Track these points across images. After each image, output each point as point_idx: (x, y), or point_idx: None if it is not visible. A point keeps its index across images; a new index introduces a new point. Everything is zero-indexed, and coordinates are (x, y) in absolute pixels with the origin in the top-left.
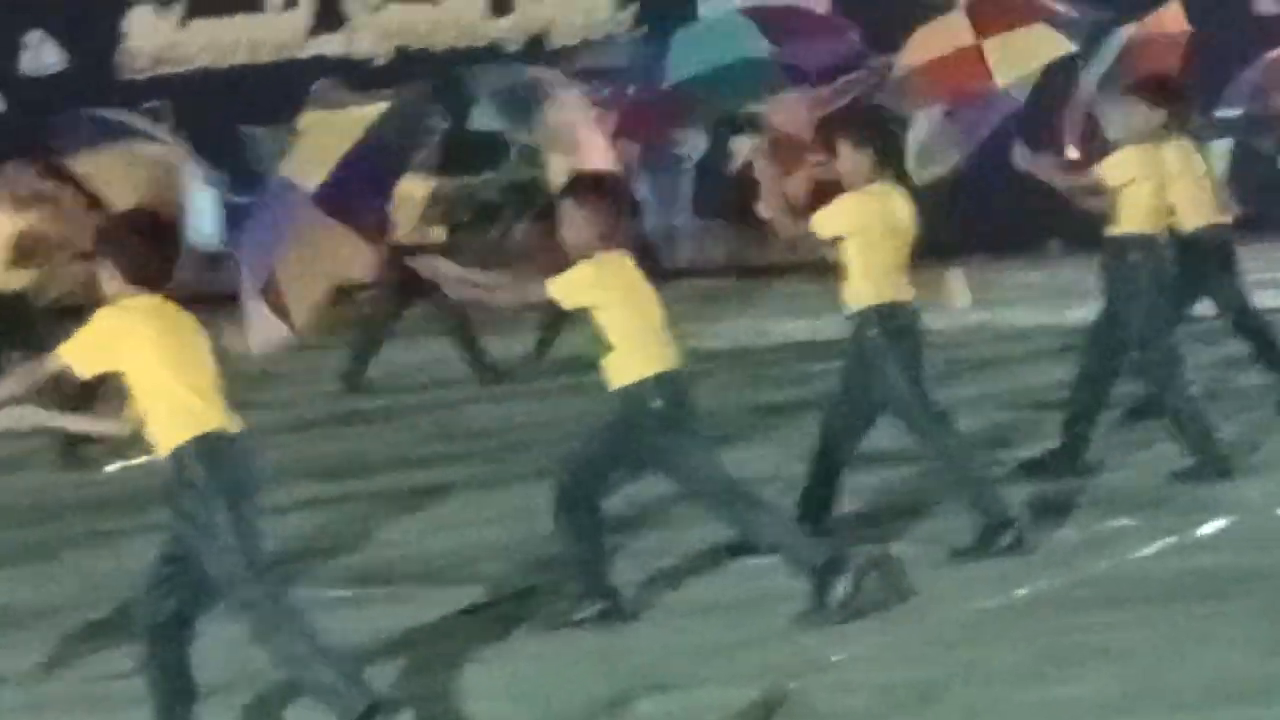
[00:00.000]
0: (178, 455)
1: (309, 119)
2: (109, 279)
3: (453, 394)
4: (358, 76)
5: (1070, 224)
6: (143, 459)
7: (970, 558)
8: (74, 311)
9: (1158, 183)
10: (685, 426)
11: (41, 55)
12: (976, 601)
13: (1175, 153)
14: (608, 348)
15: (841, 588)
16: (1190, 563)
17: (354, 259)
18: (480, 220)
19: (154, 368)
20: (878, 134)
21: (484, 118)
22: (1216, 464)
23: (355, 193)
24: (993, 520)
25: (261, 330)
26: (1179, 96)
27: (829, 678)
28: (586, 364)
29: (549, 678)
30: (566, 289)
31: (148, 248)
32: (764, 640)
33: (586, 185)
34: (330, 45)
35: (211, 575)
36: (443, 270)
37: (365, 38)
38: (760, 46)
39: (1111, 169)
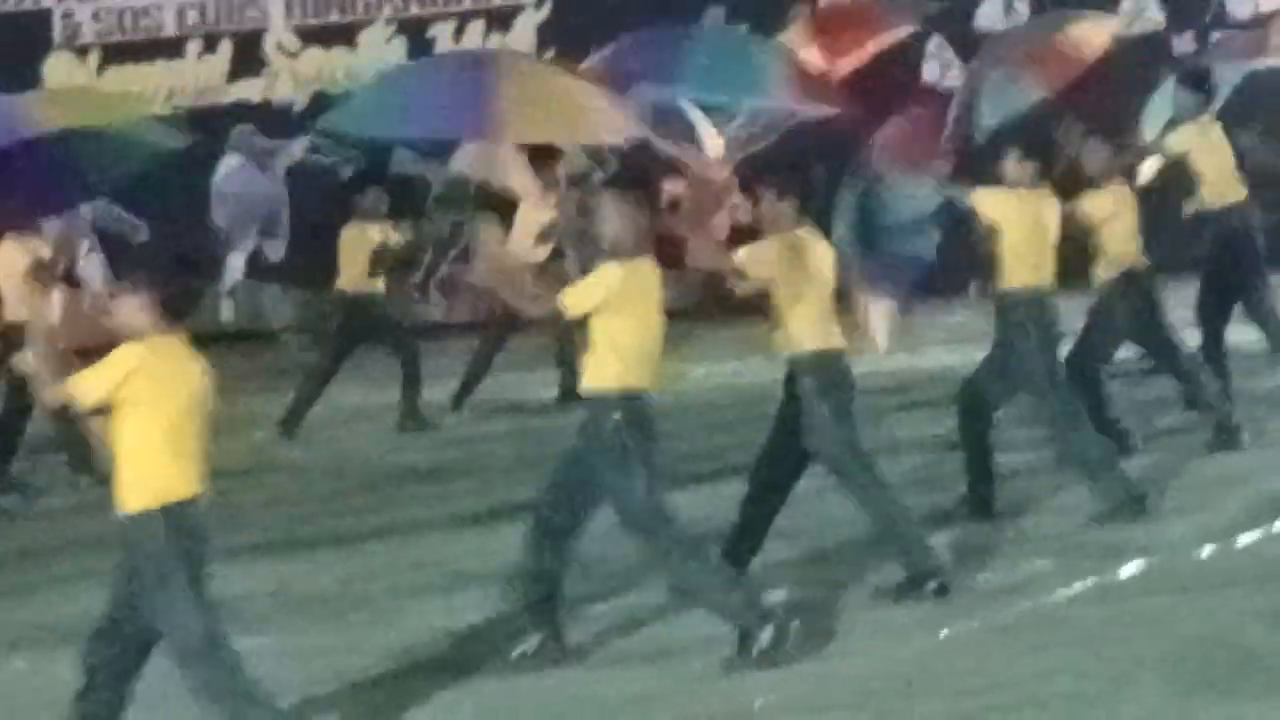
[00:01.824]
0: (145, 520)
1: None
2: (137, 310)
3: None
4: (277, 122)
5: (990, 267)
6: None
7: (893, 601)
8: None
9: (1031, 234)
10: (639, 450)
11: None
12: (899, 646)
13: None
14: (590, 351)
15: (766, 636)
16: (1110, 605)
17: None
18: (402, 266)
19: (151, 422)
20: (799, 182)
21: (403, 162)
22: (1132, 505)
23: None
24: (919, 568)
25: None
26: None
27: None
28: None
29: None
30: (580, 293)
31: (181, 279)
32: (689, 687)
33: (633, 182)
34: (250, 90)
35: (169, 644)
36: (493, 244)
37: (285, 83)
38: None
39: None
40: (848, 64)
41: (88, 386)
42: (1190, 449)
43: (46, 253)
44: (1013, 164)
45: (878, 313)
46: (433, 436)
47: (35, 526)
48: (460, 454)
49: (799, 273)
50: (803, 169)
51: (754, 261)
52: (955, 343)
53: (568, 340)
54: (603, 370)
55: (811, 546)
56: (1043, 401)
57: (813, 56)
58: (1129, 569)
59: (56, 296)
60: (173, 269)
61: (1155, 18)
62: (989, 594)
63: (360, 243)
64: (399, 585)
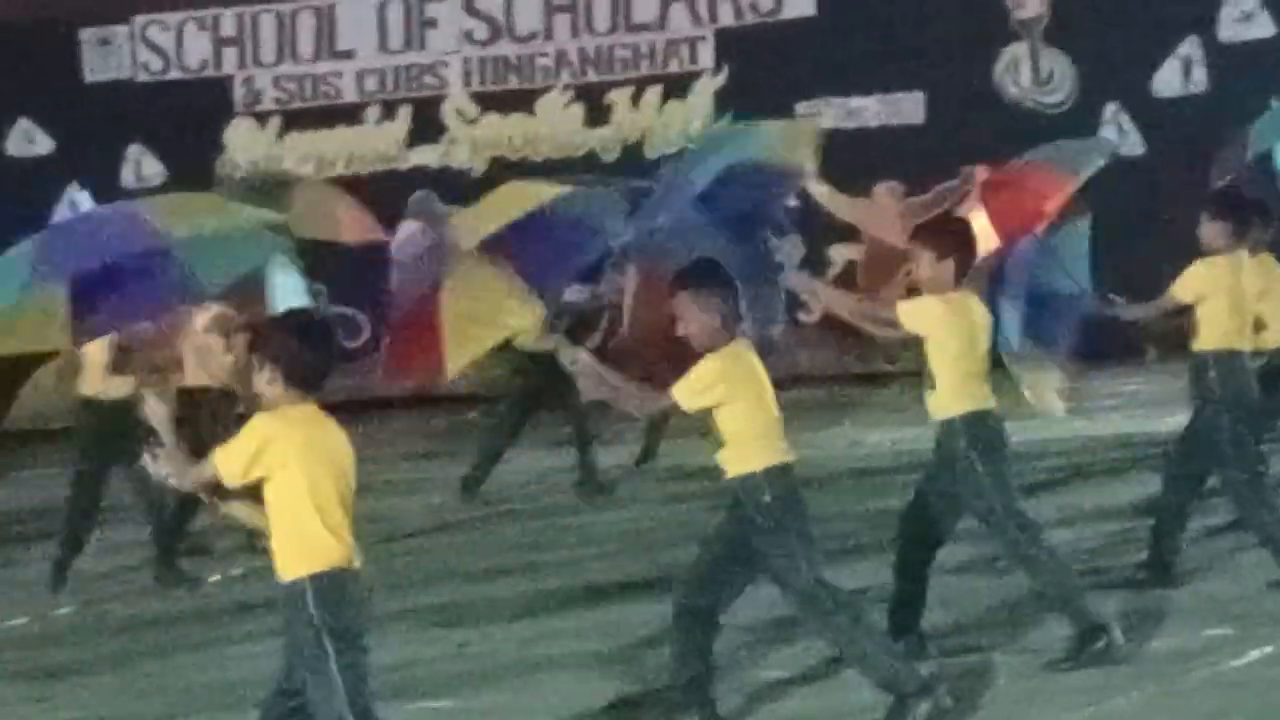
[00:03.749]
0: (296, 589)
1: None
2: (268, 383)
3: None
4: (455, 187)
5: (1166, 331)
6: (240, 570)
7: (1063, 668)
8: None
9: (1234, 298)
10: (794, 525)
11: (142, 168)
12: (1069, 713)
13: (1257, 269)
14: (723, 442)
15: (923, 710)
16: None
17: (520, 311)
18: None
19: (295, 488)
20: (961, 244)
21: None
22: None
23: (528, 249)
24: (1083, 627)
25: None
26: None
27: None
28: (687, 474)
29: None
30: (691, 391)
31: (309, 350)
32: None
33: (701, 273)
34: (428, 156)
35: (317, 714)
36: (583, 364)
37: (462, 149)
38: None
39: (1183, 284)
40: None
41: (226, 461)
42: None
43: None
44: (1208, 228)
45: (1047, 378)
46: (610, 500)
47: (217, 588)
48: (636, 517)
49: (958, 333)
50: (963, 230)
51: (914, 314)
52: (1131, 409)
53: None
54: (742, 455)
55: (977, 612)
56: (1227, 470)
57: (985, 228)
58: None
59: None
60: (299, 340)
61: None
62: (1163, 660)
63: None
64: (578, 651)
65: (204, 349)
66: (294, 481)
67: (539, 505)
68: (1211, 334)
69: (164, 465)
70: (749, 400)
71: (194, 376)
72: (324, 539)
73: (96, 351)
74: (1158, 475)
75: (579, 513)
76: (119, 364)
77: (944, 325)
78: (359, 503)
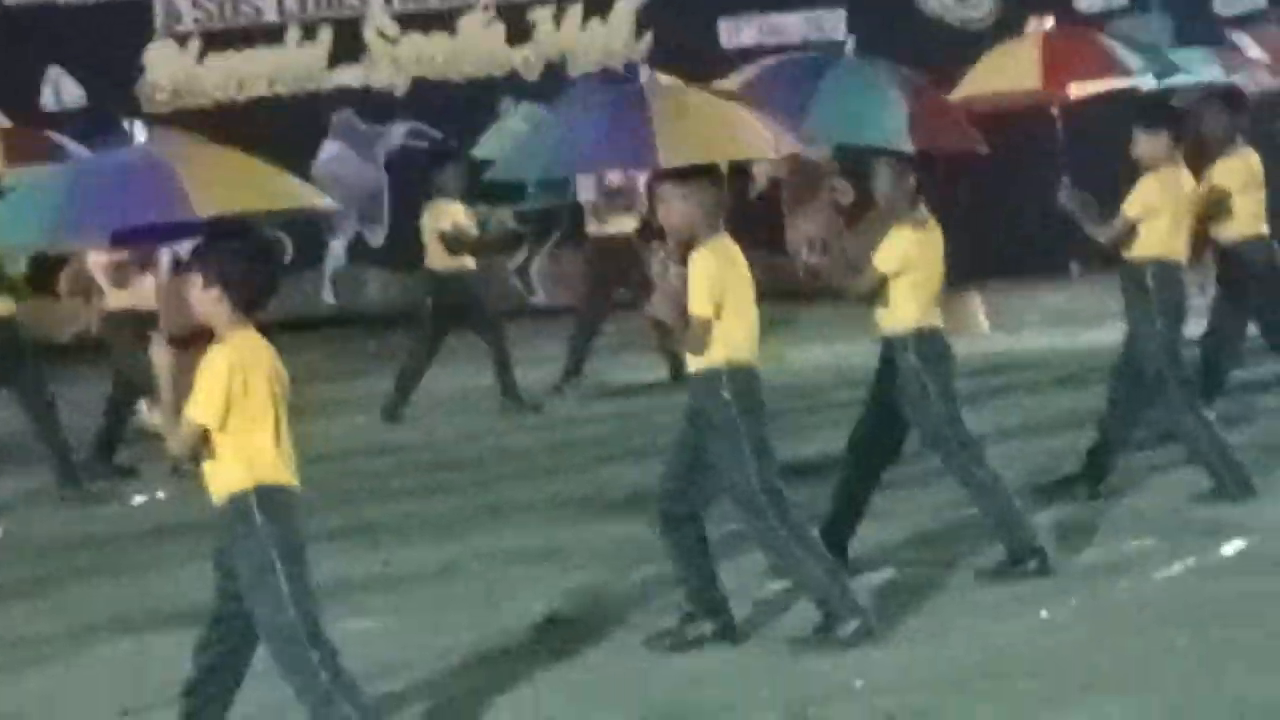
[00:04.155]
0: (243, 503)
1: None
2: (215, 305)
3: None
4: (377, 107)
5: (1089, 245)
6: (161, 494)
7: (994, 581)
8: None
9: (1176, 210)
10: (749, 428)
11: (61, 91)
12: (998, 625)
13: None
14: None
15: (849, 629)
16: (1212, 584)
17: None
18: (497, 247)
19: (251, 408)
20: (915, 161)
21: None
22: (1238, 485)
23: None
24: (1019, 547)
25: None
26: (1176, 117)
27: (849, 705)
28: (613, 390)
29: (574, 711)
30: (705, 298)
31: (256, 270)
32: (787, 665)
33: (686, 167)
34: (350, 76)
35: (260, 630)
36: (675, 277)
37: (384, 69)
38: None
39: (1132, 202)
40: (1075, 91)
41: (207, 410)
42: None
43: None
44: (1145, 142)
45: (973, 298)
46: (535, 419)
47: (140, 510)
48: (561, 436)
49: (925, 261)
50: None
51: (890, 258)
52: (1054, 324)
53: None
54: (711, 349)
55: (913, 528)
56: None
57: (1033, 70)
58: (1230, 549)
59: (153, 283)
60: (244, 261)
61: None
62: (1089, 572)
63: (440, 220)
64: (501, 568)
65: (121, 269)
66: (251, 403)
67: (461, 426)
68: (1152, 244)
69: (158, 418)
70: (735, 296)
71: (114, 299)
72: (273, 456)
73: None
74: (1083, 390)
75: (503, 432)
76: None
77: (916, 258)
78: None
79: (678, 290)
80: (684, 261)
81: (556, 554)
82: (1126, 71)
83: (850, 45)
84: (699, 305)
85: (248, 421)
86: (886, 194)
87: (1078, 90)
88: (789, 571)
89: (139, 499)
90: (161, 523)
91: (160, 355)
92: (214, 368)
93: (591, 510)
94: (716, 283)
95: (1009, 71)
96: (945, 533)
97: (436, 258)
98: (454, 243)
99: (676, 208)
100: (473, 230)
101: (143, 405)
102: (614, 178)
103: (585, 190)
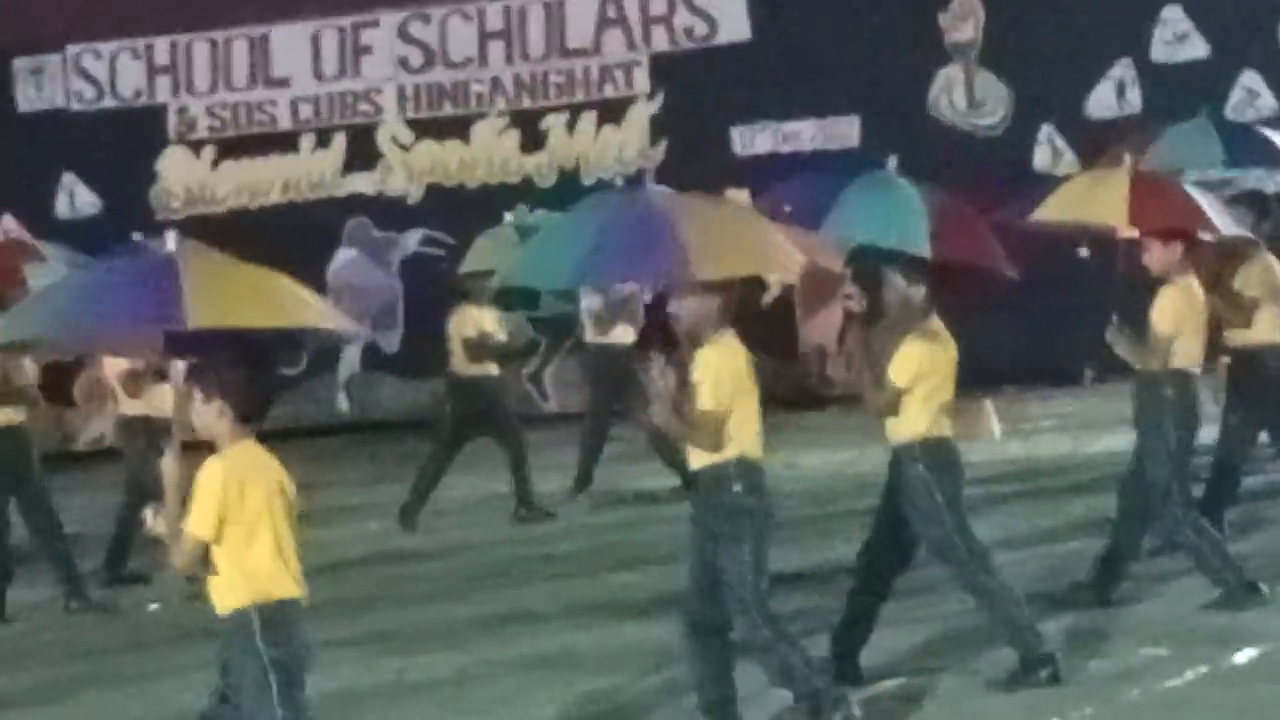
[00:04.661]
0: (243, 619)
1: None
2: (217, 417)
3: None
4: (391, 213)
5: (1103, 351)
6: (178, 599)
7: (1006, 690)
8: None
9: (1195, 320)
10: (751, 529)
11: (76, 198)
12: None
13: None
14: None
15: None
16: (1224, 692)
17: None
18: (517, 355)
19: (248, 522)
20: (927, 270)
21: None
22: (1244, 593)
23: None
24: (1030, 655)
25: None
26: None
27: None
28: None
29: None
30: (717, 394)
31: (259, 383)
32: None
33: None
34: (364, 183)
35: None
36: (664, 386)
37: (398, 175)
38: None
39: (1164, 318)
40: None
41: (201, 525)
42: None
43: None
44: (1158, 249)
45: (985, 404)
46: (548, 525)
47: (153, 618)
48: (574, 543)
49: (937, 369)
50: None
51: (905, 369)
52: (1067, 430)
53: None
54: (721, 444)
55: (924, 636)
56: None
57: (1120, 209)
58: (1241, 656)
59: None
60: (244, 372)
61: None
62: (1101, 681)
63: (465, 326)
64: (515, 675)
65: (136, 378)
66: (247, 515)
67: (476, 532)
68: (1176, 356)
69: (161, 528)
70: (742, 393)
71: (128, 406)
72: (274, 570)
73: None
74: (1095, 496)
75: (518, 539)
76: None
77: (928, 369)
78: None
79: (674, 393)
80: (682, 367)
81: (570, 660)
82: (1213, 228)
83: (893, 164)
84: (708, 400)
85: (245, 534)
86: (897, 303)
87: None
88: (773, 671)
89: (154, 606)
90: (176, 630)
91: (170, 466)
92: (209, 481)
93: (605, 616)
94: (725, 379)
95: (1094, 205)
96: (956, 640)
97: (460, 363)
98: (477, 349)
99: (691, 305)
100: (501, 336)
101: (148, 512)
102: (622, 287)
103: (586, 298)
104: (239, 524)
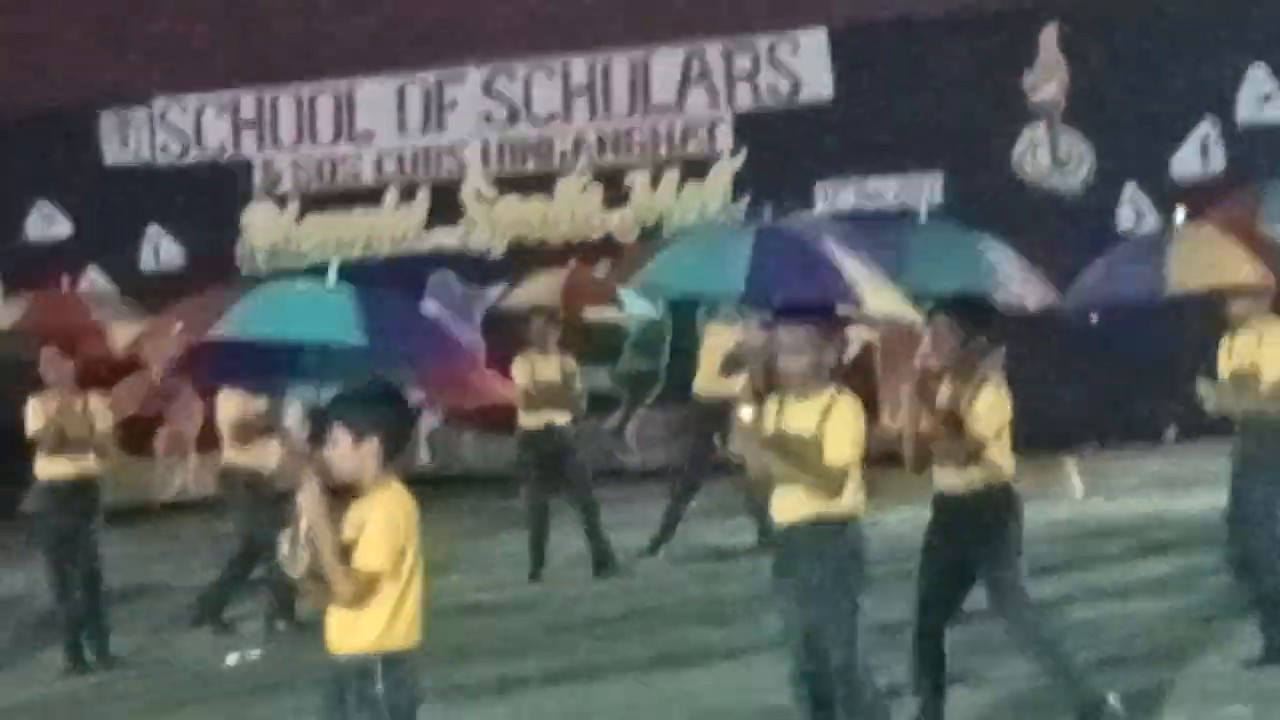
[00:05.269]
0: (367, 664)
1: None
2: (368, 458)
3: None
4: (474, 269)
5: (1187, 410)
6: (257, 653)
7: None
8: None
9: None
10: (859, 584)
11: (161, 251)
12: None
13: None
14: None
15: None
16: None
17: None
18: (598, 408)
19: (406, 566)
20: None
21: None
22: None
23: None
24: (1085, 706)
25: None
26: None
27: None
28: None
29: None
30: (857, 444)
31: (408, 420)
32: None
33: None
34: (447, 238)
35: None
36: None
37: (481, 230)
38: None
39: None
40: None
41: (382, 556)
42: None
43: (255, 408)
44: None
45: (1069, 462)
46: (626, 582)
47: (232, 672)
48: (653, 600)
49: (1010, 411)
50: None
51: (994, 416)
52: (1150, 489)
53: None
54: (841, 499)
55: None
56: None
57: (1244, 263)
58: None
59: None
60: (397, 410)
61: None
62: None
63: (527, 373)
64: None
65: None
66: (410, 558)
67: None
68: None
69: (302, 563)
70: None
71: (233, 454)
72: (410, 618)
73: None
74: (1177, 557)
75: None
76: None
77: (1008, 410)
78: None
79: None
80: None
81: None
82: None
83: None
84: (848, 451)
85: (406, 574)
86: (963, 350)
87: None
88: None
89: (233, 658)
90: (256, 684)
91: (314, 495)
92: (392, 515)
93: (678, 672)
94: (859, 434)
95: (1221, 266)
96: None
97: (520, 413)
98: (543, 396)
99: (807, 352)
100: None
101: (283, 543)
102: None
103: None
104: (404, 563)
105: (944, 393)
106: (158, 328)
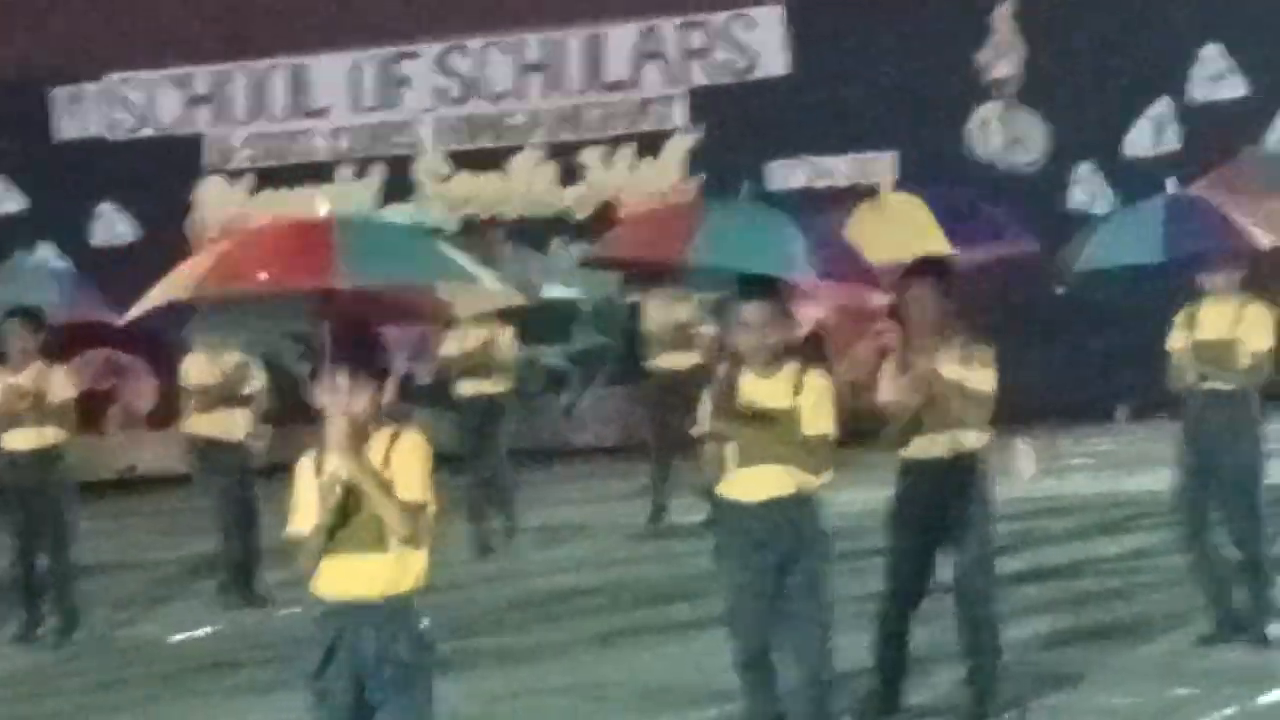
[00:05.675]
0: (406, 603)
1: None
2: (390, 393)
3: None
4: None
5: (1137, 390)
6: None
7: None
8: None
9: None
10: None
11: (113, 226)
12: None
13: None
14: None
15: None
16: None
17: None
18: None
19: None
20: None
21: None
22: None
23: None
24: (981, 692)
25: None
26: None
27: None
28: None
29: None
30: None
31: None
32: None
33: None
34: (400, 214)
35: None
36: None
37: (435, 207)
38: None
39: (1263, 336)
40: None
41: (426, 488)
42: None
43: (219, 372)
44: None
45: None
46: (575, 560)
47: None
48: (601, 578)
49: None
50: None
51: (991, 379)
52: (1099, 469)
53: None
54: (821, 476)
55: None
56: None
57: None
58: (1272, 696)
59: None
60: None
61: None
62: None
63: (457, 343)
64: (542, 706)
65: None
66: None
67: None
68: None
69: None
70: None
71: (196, 424)
72: (430, 557)
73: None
74: (1125, 535)
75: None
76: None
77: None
78: None
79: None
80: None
81: (596, 692)
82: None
83: (1172, 186)
84: (828, 423)
85: (432, 516)
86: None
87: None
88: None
89: (178, 637)
90: (206, 660)
91: (343, 438)
92: (418, 445)
93: (630, 647)
94: (834, 408)
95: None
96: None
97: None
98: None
99: (776, 324)
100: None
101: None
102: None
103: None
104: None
105: (938, 359)
106: None
